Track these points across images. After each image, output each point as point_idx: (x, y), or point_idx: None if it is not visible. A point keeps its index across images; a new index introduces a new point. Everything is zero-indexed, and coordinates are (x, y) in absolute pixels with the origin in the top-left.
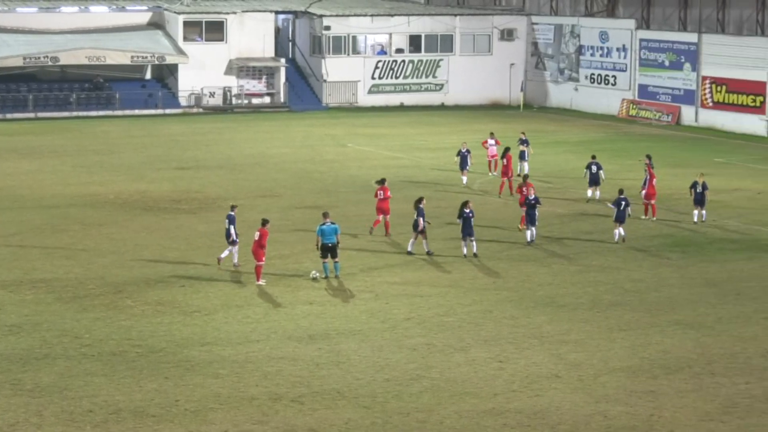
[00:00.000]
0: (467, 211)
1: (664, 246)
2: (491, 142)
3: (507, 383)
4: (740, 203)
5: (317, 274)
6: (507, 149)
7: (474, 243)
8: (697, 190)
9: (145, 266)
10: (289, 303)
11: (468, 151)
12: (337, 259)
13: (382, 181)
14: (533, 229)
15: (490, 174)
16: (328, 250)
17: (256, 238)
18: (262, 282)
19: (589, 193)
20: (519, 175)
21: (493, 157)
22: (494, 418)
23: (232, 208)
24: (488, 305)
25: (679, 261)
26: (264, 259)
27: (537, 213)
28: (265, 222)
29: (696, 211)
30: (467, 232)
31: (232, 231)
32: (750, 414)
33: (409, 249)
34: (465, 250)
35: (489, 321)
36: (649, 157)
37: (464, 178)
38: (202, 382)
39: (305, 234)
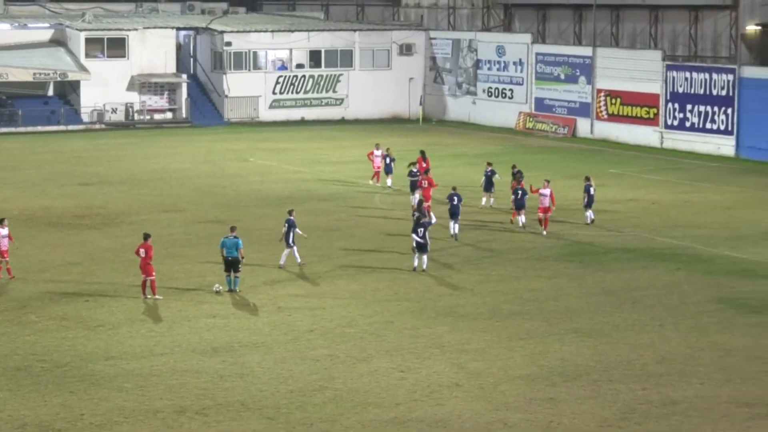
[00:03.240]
0: (454, 199)
1: (561, 256)
2: (377, 153)
3: (409, 393)
4: (635, 213)
5: (220, 288)
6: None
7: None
8: (591, 193)
9: (49, 281)
10: (193, 316)
11: (392, 159)
12: (237, 274)
13: (427, 171)
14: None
15: (369, 182)
16: (230, 264)
17: (143, 255)
18: (158, 296)
19: (483, 200)
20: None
21: (378, 168)
22: (397, 427)
23: (290, 212)
24: (389, 316)
25: (577, 270)
26: (154, 273)
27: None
28: (147, 236)
29: (588, 213)
30: (453, 215)
31: (291, 233)
32: (647, 419)
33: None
34: (453, 230)
35: (390, 332)
36: (513, 166)
37: (389, 181)
38: (107, 396)
39: (208, 248)
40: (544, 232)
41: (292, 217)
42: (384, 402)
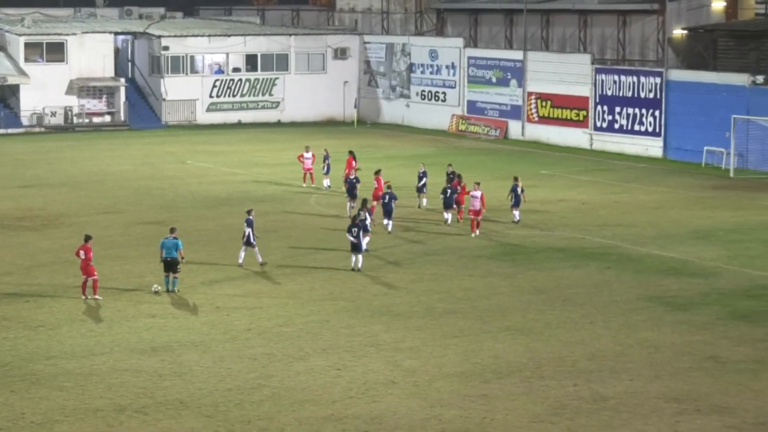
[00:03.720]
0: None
1: (493, 255)
2: (307, 155)
3: (345, 390)
4: (565, 213)
5: (158, 288)
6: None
7: (389, 224)
8: (518, 193)
9: None
10: (132, 316)
11: (328, 156)
12: (176, 275)
13: (377, 172)
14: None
15: (303, 185)
16: (169, 265)
17: (83, 256)
18: (98, 297)
19: (422, 201)
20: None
21: (308, 170)
22: (333, 424)
23: (249, 212)
24: (326, 315)
25: (509, 270)
26: (96, 273)
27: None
28: (88, 238)
29: (516, 212)
30: (387, 210)
31: (250, 233)
32: (578, 415)
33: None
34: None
35: (327, 330)
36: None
37: (326, 182)
38: (47, 395)
39: (147, 249)
40: (473, 234)
41: (251, 217)
42: (321, 399)
